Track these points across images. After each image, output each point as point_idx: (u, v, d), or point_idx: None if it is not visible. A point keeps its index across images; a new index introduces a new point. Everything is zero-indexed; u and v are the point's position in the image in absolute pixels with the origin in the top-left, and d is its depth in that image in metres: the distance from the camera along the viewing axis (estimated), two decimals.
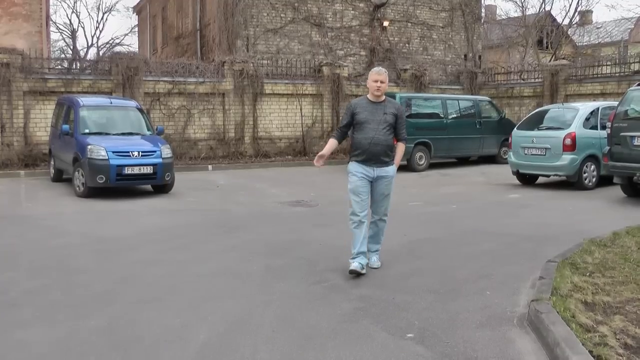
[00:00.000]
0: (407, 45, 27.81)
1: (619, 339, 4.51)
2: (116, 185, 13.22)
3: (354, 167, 6.91)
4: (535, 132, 14.94)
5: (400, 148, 7.12)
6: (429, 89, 25.11)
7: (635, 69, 21.58)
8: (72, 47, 54.70)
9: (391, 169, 6.95)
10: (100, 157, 12.87)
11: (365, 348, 4.76)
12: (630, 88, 13.08)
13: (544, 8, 38.84)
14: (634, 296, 5.54)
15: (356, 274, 6.64)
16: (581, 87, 22.45)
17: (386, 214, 7.12)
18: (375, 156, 6.79)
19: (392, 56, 26.99)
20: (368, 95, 6.97)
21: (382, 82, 6.83)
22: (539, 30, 38.19)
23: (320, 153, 6.92)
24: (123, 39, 77.00)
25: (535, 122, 15.49)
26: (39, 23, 24.50)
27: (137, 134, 14.39)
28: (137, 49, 42.37)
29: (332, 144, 7.05)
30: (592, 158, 14.20)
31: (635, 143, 11.84)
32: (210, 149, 21.30)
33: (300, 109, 23.01)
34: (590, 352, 4.23)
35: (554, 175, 14.83)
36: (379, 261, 7.15)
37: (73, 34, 55.45)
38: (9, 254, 8.02)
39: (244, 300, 5.98)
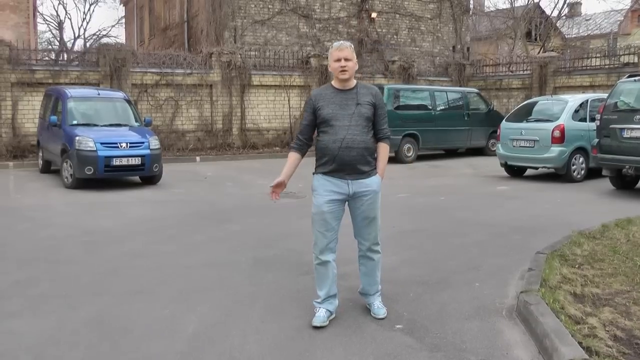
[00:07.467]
0: (395, 36, 27.85)
1: (608, 331, 4.52)
2: (104, 176, 13.18)
3: (319, 182, 5.03)
4: (523, 124, 14.95)
5: (383, 150, 5.17)
6: (417, 81, 25.14)
7: (625, 61, 21.66)
8: (59, 39, 54.45)
9: (374, 182, 5.04)
10: (89, 149, 12.82)
11: (354, 339, 4.76)
12: (620, 80, 13.11)
13: (533, 0, 38.91)
14: (623, 288, 5.55)
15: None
16: (570, 79, 22.52)
17: (377, 241, 5.23)
18: (349, 165, 4.92)
19: (380, 48, 27.03)
20: (333, 82, 5.09)
21: (346, 59, 4.90)
22: (527, 22, 38.23)
23: (276, 181, 4.99)
24: (110, 31, 77.00)
25: (524, 114, 15.51)
26: (26, 14, 24.40)
27: (125, 125, 14.36)
28: (124, 41, 42.14)
29: (292, 160, 5.11)
30: (581, 150, 14.23)
31: (625, 135, 11.87)
32: (198, 140, 21.26)
33: (288, 101, 22.99)
34: (580, 343, 4.23)
35: (543, 167, 14.86)
36: (383, 307, 5.26)
37: (60, 26, 55.19)
38: None
39: (232, 291, 5.97)
